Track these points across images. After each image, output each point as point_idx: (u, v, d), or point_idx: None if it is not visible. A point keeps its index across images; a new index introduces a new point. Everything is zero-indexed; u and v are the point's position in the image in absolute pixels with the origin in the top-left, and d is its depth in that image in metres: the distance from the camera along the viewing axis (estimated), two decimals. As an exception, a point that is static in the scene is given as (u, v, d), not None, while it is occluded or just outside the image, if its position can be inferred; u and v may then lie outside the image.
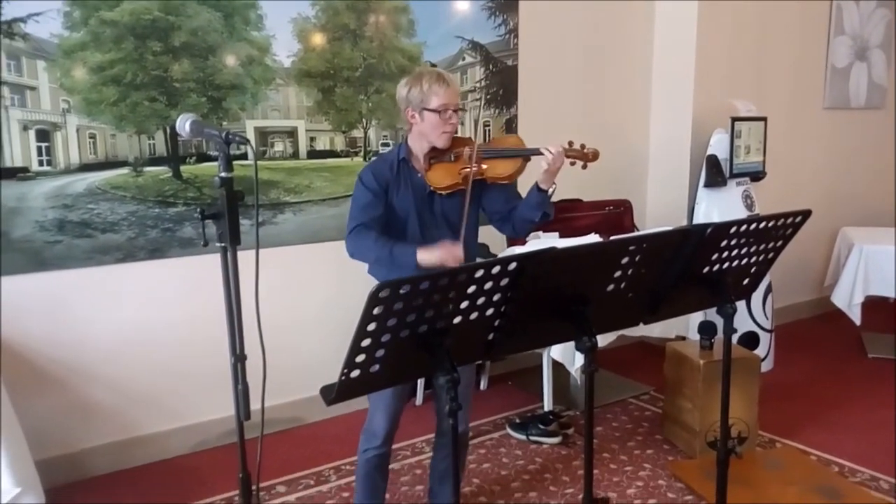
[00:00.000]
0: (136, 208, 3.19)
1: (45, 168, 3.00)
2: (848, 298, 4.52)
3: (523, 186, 2.41)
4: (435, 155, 2.36)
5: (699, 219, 4.34)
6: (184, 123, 1.68)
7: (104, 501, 2.98)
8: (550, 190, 2.31)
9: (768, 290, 4.33)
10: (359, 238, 2.31)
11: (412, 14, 3.78)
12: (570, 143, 2.32)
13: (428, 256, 2.17)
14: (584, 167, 2.32)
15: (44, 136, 2.99)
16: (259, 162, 3.42)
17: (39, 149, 2.98)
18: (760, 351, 4.21)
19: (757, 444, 3.37)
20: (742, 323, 3.94)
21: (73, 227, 3.06)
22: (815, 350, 4.82)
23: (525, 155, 2.36)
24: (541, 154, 2.28)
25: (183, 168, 3.29)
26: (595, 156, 2.32)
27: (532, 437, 3.49)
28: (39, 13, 2.88)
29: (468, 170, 2.31)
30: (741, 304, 4.31)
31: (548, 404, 3.75)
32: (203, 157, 3.33)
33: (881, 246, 4.46)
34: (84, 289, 3.10)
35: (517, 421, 3.62)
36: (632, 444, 3.46)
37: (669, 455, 3.34)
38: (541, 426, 3.49)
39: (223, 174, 1.60)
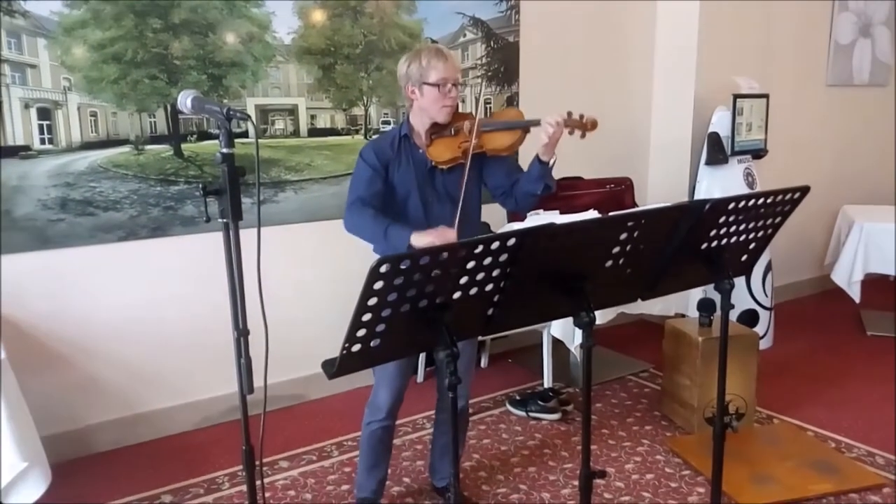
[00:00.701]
0: (137, 186, 3.20)
1: (47, 146, 3.01)
2: (848, 276, 4.54)
3: (524, 160, 2.41)
4: (436, 130, 2.38)
5: (700, 196, 4.34)
6: (185, 99, 1.69)
7: (109, 477, 3.02)
8: (551, 161, 2.31)
9: (768, 267, 4.35)
10: (356, 214, 2.33)
11: (413, -10, 3.76)
12: (570, 113, 2.30)
13: (421, 239, 2.17)
14: (583, 136, 2.30)
15: (45, 114, 2.99)
16: (260, 140, 3.42)
17: (41, 127, 2.99)
18: (760, 328, 4.23)
19: (755, 420, 3.40)
20: (742, 301, 3.94)
21: (76, 205, 3.07)
22: (815, 328, 4.85)
23: (524, 126, 2.37)
24: (539, 125, 2.28)
25: (184, 146, 3.30)
26: (594, 125, 2.30)
27: (532, 414, 3.52)
28: (39, -10, 2.87)
29: (468, 143, 2.32)
30: (741, 282, 4.31)
31: (547, 381, 3.78)
32: (204, 136, 3.33)
33: (881, 224, 4.47)
34: (87, 267, 3.12)
35: (517, 398, 3.66)
36: (630, 421, 3.49)
37: (668, 431, 3.38)
38: (540, 403, 3.52)
39: (224, 150, 1.61)
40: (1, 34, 2.83)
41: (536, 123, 2.31)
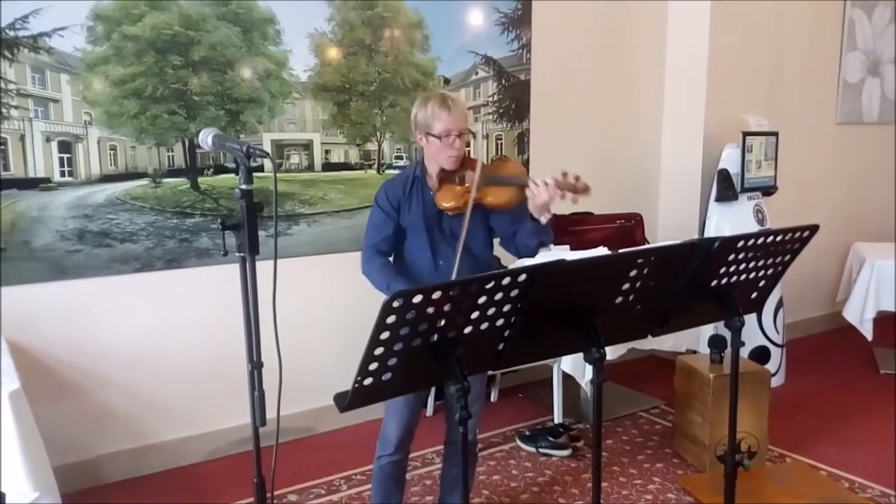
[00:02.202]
0: (154, 219, 3.25)
1: (67, 179, 3.07)
2: (860, 314, 4.51)
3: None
4: (444, 175, 2.41)
5: (710, 233, 4.35)
6: (206, 137, 1.74)
7: (119, 507, 3.02)
8: (544, 220, 2.28)
9: (780, 304, 4.34)
10: (368, 262, 2.44)
11: (426, 29, 3.84)
12: (564, 175, 2.26)
13: None
14: (575, 201, 2.27)
15: (66, 147, 3.06)
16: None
17: (61, 160, 3.06)
18: (772, 366, 4.21)
19: (767, 458, 3.37)
20: (753, 337, 3.95)
21: (93, 236, 3.12)
22: (827, 365, 4.81)
23: (522, 184, 2.32)
24: (531, 185, 2.25)
25: (201, 179, 3.36)
26: (586, 190, 2.25)
27: (542, 450, 3.50)
28: (64, 27, 2.95)
29: (469, 195, 2.35)
30: (752, 319, 4.30)
31: (558, 417, 3.77)
32: (220, 169, 3.39)
33: (893, 261, 4.46)
34: (102, 297, 3.16)
35: (527, 433, 3.64)
36: (641, 458, 3.47)
37: (679, 469, 3.35)
38: (550, 438, 3.50)
39: (243, 186, 1.65)
40: (26, 70, 2.92)
41: (527, 184, 2.26)
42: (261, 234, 1.76)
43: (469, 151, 2.45)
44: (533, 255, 2.43)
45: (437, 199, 2.39)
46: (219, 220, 1.68)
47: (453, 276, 2.31)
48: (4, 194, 2.92)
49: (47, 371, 3.06)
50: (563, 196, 2.24)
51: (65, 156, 3.06)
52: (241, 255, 1.68)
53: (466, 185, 2.37)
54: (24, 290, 2.97)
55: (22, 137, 2.95)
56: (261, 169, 3.34)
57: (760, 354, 4.19)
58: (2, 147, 2.91)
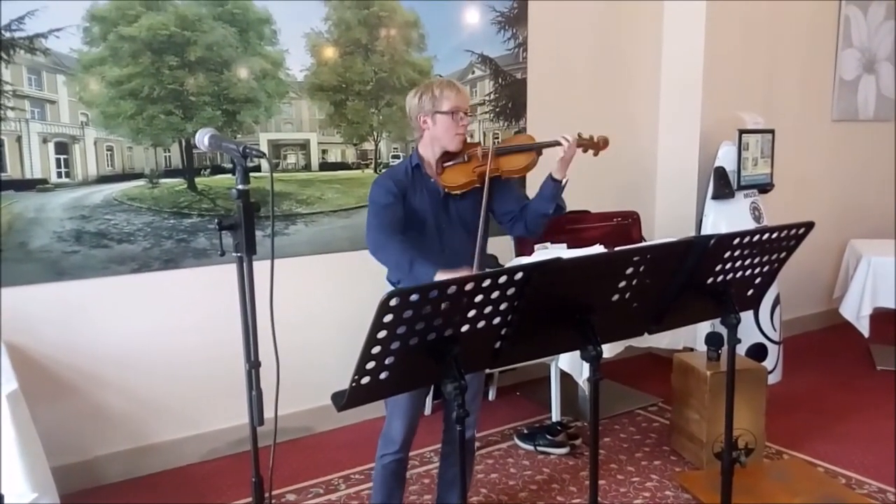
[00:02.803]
0: (151, 219, 3.25)
1: (64, 180, 3.07)
2: (856, 310, 4.53)
3: (532, 188, 2.46)
4: (447, 159, 2.43)
5: (707, 230, 4.36)
6: (203, 137, 1.74)
7: (118, 507, 3.02)
8: (564, 181, 2.38)
9: (776, 301, 4.35)
10: (385, 238, 2.34)
11: (422, 29, 3.84)
12: (580, 134, 2.43)
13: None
14: (596, 154, 2.45)
15: (62, 148, 3.06)
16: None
17: (58, 161, 3.06)
18: (769, 363, 4.23)
19: (764, 455, 3.38)
20: (750, 335, 3.96)
21: (90, 237, 3.12)
22: (824, 362, 4.82)
23: (537, 148, 2.45)
24: (555, 145, 2.40)
25: (197, 180, 3.36)
26: (605, 143, 2.47)
27: (540, 448, 3.51)
28: (60, 28, 2.95)
29: (483, 167, 2.38)
30: (749, 316, 4.32)
31: (556, 415, 3.77)
32: (217, 169, 3.39)
33: (889, 258, 4.47)
34: (100, 298, 3.16)
35: (525, 431, 3.65)
36: (639, 455, 3.48)
37: (677, 466, 3.36)
38: (548, 437, 3.51)
39: (240, 186, 1.66)
40: (22, 71, 2.92)
41: (550, 145, 2.43)
42: (258, 233, 1.77)
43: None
44: (546, 224, 2.46)
45: (445, 181, 2.41)
46: (216, 220, 1.68)
47: (475, 256, 2.36)
48: (2, 196, 2.92)
49: (45, 372, 3.06)
50: (585, 150, 2.45)
51: (61, 157, 3.06)
52: (238, 254, 1.68)
53: (476, 159, 2.41)
54: (22, 291, 2.97)
55: (18, 139, 2.95)
56: (258, 169, 3.34)
57: (757, 351, 4.20)
58: (-2, 148, 2.92)
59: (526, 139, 2.58)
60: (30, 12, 2.88)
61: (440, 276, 2.20)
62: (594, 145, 2.44)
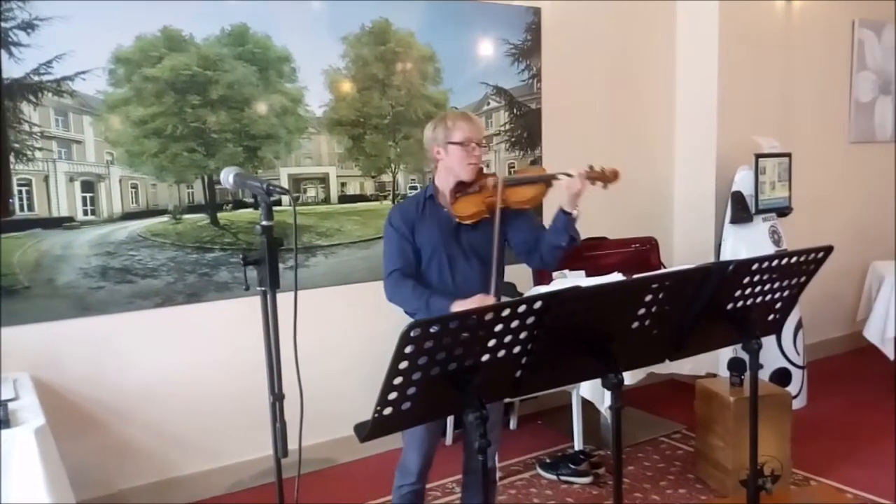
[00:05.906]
0: (175, 254, 3.31)
1: (90, 217, 3.14)
2: (881, 333, 4.48)
3: (548, 217, 2.48)
4: (460, 189, 2.46)
5: (726, 255, 4.34)
6: (227, 176, 1.79)
7: (143, 542, 3.03)
8: (574, 213, 2.38)
9: (799, 325, 4.31)
10: (397, 285, 2.43)
11: (438, 62, 3.91)
12: (591, 167, 2.42)
13: (462, 308, 2.23)
14: (605, 187, 2.42)
15: (88, 186, 3.14)
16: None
17: (84, 199, 3.13)
18: (793, 387, 4.18)
19: (791, 482, 3.33)
20: (773, 359, 3.92)
21: (115, 273, 3.18)
22: (849, 386, 4.75)
23: (546, 180, 2.46)
24: (560, 179, 2.40)
25: (220, 215, 3.42)
26: (615, 175, 2.43)
27: (563, 477, 3.48)
28: (86, 71, 3.04)
29: (493, 198, 2.40)
30: (772, 341, 4.28)
31: (578, 443, 3.74)
32: (239, 204, 3.45)
33: (913, 280, 4.42)
34: (125, 333, 3.21)
35: (547, 460, 3.62)
36: (664, 484, 3.44)
37: (702, 494, 3.32)
38: (571, 466, 3.49)
39: (264, 222, 1.70)
40: (49, 113, 3.00)
41: (557, 178, 2.43)
42: (279, 267, 1.80)
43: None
44: (561, 257, 2.47)
45: (456, 211, 2.44)
46: (240, 256, 1.73)
47: (492, 283, 2.38)
48: (29, 234, 3.00)
49: (71, 406, 3.10)
50: (593, 183, 2.41)
51: (87, 195, 3.14)
52: (263, 289, 1.71)
53: (487, 190, 2.43)
54: (49, 327, 3.03)
55: (46, 178, 3.03)
56: (278, 203, 3.39)
57: (781, 376, 4.15)
58: (27, 188, 2.99)
59: (537, 171, 2.60)
60: (57, 56, 2.97)
61: (456, 307, 2.24)
62: (604, 178, 2.42)
